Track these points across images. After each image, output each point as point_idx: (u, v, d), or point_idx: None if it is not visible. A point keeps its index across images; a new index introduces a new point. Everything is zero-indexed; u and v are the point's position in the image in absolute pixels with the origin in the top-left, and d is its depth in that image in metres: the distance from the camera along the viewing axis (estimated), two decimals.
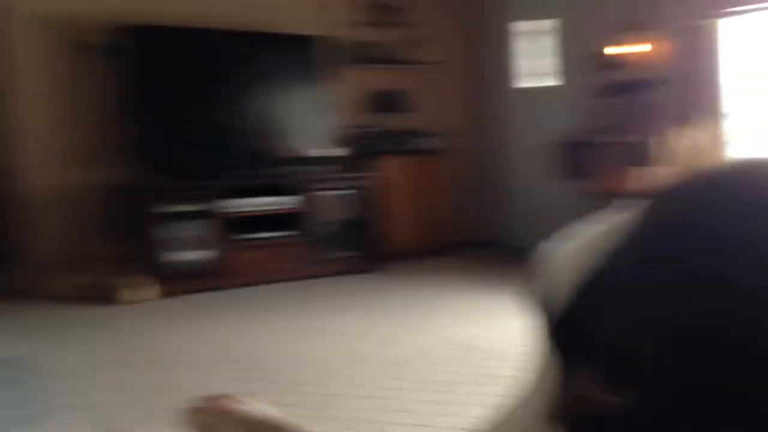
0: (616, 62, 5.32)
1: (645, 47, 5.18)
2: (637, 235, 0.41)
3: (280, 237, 5.34)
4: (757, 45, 4.80)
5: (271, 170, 5.48)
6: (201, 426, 0.63)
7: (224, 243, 5.08)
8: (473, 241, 6.37)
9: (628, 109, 5.19)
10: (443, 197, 6.16)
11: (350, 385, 3.18)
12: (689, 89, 4.95)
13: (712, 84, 4.93)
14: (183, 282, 4.91)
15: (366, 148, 5.94)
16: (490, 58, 6.47)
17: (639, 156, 4.86)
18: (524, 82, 6.23)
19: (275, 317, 4.34)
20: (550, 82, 6.04)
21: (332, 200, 5.56)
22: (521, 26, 6.18)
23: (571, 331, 0.42)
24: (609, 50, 5.39)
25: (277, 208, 5.30)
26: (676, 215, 0.40)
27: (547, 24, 6.03)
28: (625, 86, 5.21)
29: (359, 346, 3.76)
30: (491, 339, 3.83)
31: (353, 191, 5.62)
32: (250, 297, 4.83)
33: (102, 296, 4.73)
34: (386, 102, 6.15)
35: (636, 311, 0.38)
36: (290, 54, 5.58)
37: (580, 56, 5.69)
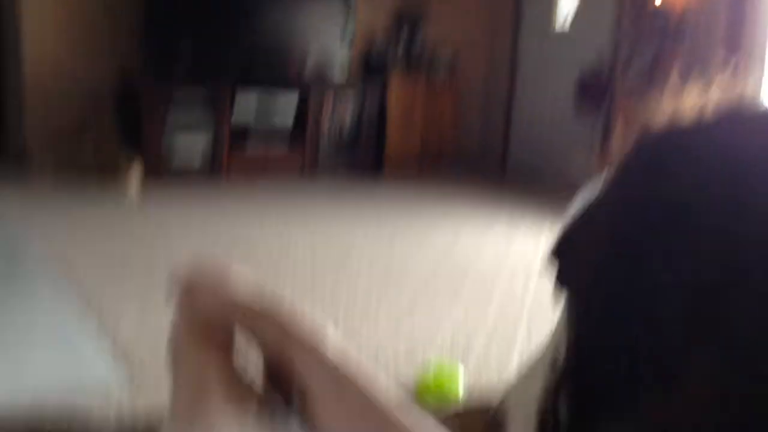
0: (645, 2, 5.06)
1: None
2: (610, 181, 0.47)
3: (282, 142, 5.22)
4: None
5: (281, 75, 5.29)
6: (181, 291, 0.62)
7: (224, 142, 4.97)
8: (476, 164, 6.24)
9: (654, 50, 4.96)
10: (450, 118, 6.01)
11: (323, 285, 3.12)
12: (726, 33, 4.69)
13: (754, 28, 4.66)
14: (178, 176, 4.83)
15: (379, 64, 5.77)
16: None
17: (656, 96, 4.66)
18: (546, 15, 5.95)
19: (263, 220, 4.28)
20: (572, 14, 5.76)
21: (339, 111, 5.43)
22: None
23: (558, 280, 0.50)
24: None
25: (282, 113, 5.17)
26: (643, 158, 0.46)
27: None
28: (653, 26, 4.96)
29: (342, 249, 3.70)
30: (475, 253, 3.77)
31: (361, 104, 5.48)
32: (242, 198, 4.76)
33: (90, 177, 4.67)
34: (404, 20, 5.93)
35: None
36: None
37: None
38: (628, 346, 0.42)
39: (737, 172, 0.42)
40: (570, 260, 0.49)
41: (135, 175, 4.67)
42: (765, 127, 0.46)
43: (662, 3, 4.96)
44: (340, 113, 5.45)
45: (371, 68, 5.76)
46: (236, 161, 5.04)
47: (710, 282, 0.40)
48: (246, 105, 5.02)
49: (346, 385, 0.51)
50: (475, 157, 6.37)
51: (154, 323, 2.55)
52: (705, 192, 0.42)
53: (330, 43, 5.44)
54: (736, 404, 0.39)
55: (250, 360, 0.61)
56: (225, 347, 0.59)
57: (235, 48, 5.12)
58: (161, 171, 4.79)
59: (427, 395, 2.17)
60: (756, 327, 0.39)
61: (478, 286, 3.29)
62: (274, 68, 5.26)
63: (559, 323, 0.52)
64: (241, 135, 5.05)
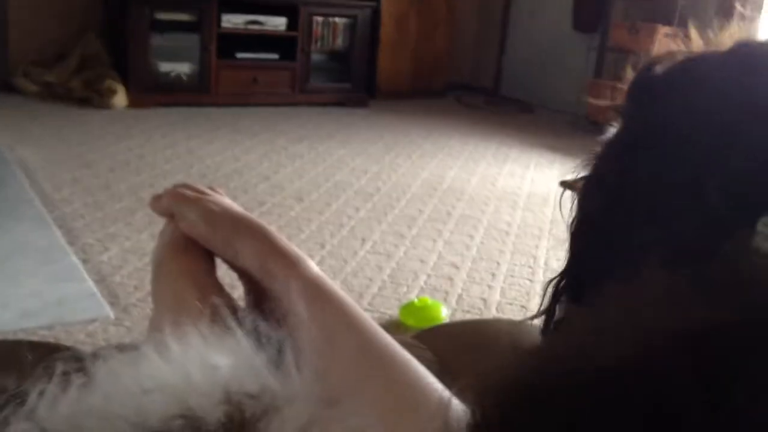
0: None
1: None
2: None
3: (269, 59, 5.10)
4: None
5: None
6: (163, 211, 0.62)
7: (210, 58, 4.86)
8: (469, 86, 6.17)
9: None
10: (445, 38, 5.88)
11: (311, 210, 3.12)
12: None
13: None
14: (161, 93, 4.74)
15: None
16: None
17: (658, 16, 4.55)
18: None
19: (251, 139, 4.22)
20: None
21: (329, 27, 5.29)
22: None
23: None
24: None
25: (270, 28, 5.03)
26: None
27: None
28: None
29: (330, 174, 3.67)
30: (463, 182, 3.75)
31: (352, 20, 5.34)
32: (230, 117, 4.69)
33: (75, 98, 4.60)
34: None
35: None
36: None
37: None
38: (604, 256, 0.45)
39: (748, 105, 0.41)
40: (582, 206, 0.49)
41: (121, 93, 4.59)
42: None
43: None
44: (331, 33, 5.32)
45: None
46: (221, 77, 4.93)
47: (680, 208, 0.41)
48: (233, 18, 4.88)
49: (326, 299, 0.51)
50: (468, 80, 6.28)
51: (138, 246, 2.55)
52: (714, 125, 0.40)
53: None
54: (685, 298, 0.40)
55: (232, 274, 0.61)
56: (206, 261, 0.59)
57: None
58: (148, 89, 4.69)
59: (410, 319, 2.20)
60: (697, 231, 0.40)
61: (465, 217, 3.29)
62: None
63: None
64: (227, 48, 4.91)
